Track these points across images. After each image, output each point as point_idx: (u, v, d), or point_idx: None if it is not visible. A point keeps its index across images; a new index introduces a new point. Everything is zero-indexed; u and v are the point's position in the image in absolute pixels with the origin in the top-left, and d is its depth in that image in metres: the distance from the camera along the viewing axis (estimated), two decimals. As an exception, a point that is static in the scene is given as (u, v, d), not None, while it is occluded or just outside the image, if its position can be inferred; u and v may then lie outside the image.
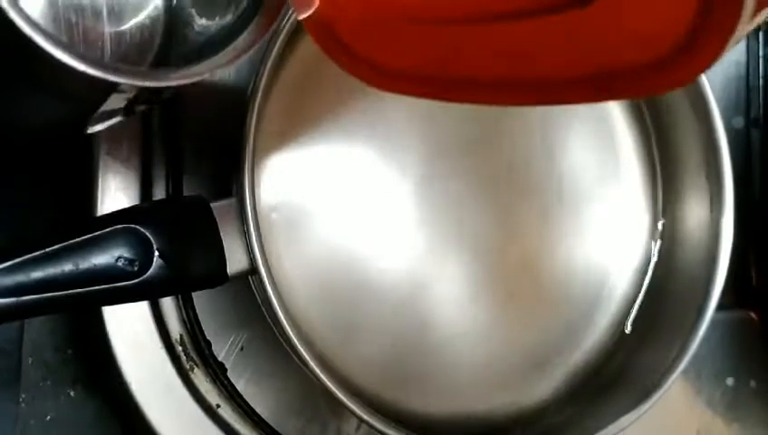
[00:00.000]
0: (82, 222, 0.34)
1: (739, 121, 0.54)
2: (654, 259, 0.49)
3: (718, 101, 0.45)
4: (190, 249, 0.35)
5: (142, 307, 0.41)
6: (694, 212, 0.47)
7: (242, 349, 0.43)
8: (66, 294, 0.32)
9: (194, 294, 0.41)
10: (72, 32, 0.35)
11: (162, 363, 0.41)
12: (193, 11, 0.37)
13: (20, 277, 0.31)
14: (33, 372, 0.42)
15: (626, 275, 0.48)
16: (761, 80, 0.54)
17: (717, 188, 0.45)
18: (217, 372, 0.42)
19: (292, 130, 0.42)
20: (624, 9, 0.23)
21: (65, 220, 0.43)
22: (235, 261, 0.36)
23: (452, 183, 0.45)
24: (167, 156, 0.42)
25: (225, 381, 0.42)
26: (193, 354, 0.42)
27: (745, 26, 0.21)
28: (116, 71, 0.30)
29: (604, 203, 0.48)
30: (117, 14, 0.37)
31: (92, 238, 0.32)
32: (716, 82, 0.52)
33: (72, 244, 0.32)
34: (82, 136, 0.37)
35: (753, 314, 0.54)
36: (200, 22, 0.37)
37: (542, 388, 0.46)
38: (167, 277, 0.33)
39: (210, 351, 0.42)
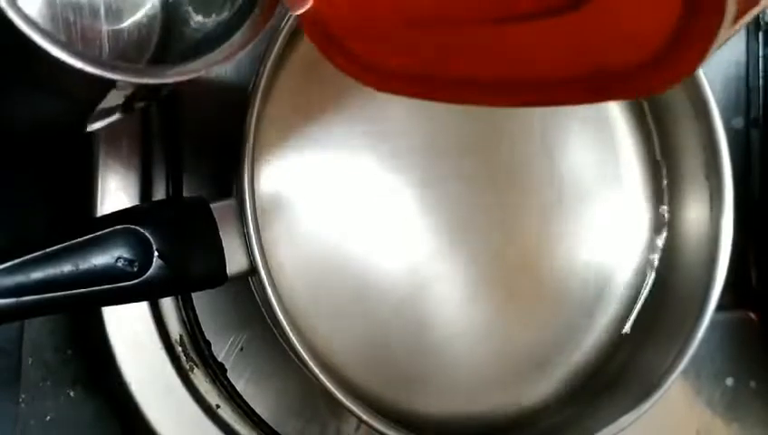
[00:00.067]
0: (82, 222, 0.34)
1: (739, 122, 0.54)
2: (653, 259, 0.49)
3: (718, 101, 0.45)
4: (190, 250, 0.35)
5: (142, 308, 0.41)
6: (694, 212, 0.47)
7: (242, 349, 0.43)
8: (66, 295, 0.32)
9: (194, 295, 0.41)
10: (71, 30, 0.35)
11: (162, 364, 0.41)
12: (190, 8, 0.37)
13: (20, 278, 0.31)
14: (32, 373, 0.42)
15: (626, 276, 0.48)
16: (761, 80, 0.54)
17: (717, 188, 0.45)
18: (217, 373, 0.42)
19: (292, 130, 0.42)
20: (612, 13, 0.24)
21: (65, 221, 0.43)
22: (235, 262, 0.36)
23: (452, 183, 0.45)
24: (166, 156, 0.42)
25: (225, 382, 0.42)
26: (193, 355, 0.42)
27: (728, 31, 0.21)
28: (113, 68, 0.30)
29: (604, 203, 0.48)
30: (115, 13, 0.37)
31: (92, 239, 0.33)
32: (716, 82, 0.52)
33: (71, 244, 0.32)
34: (82, 134, 0.37)
35: (752, 315, 0.54)
36: (197, 19, 0.37)
37: (542, 388, 0.46)
38: (166, 278, 0.33)
39: (210, 351, 0.42)
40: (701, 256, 0.46)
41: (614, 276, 0.48)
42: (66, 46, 0.29)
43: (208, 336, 0.42)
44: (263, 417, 0.43)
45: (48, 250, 0.32)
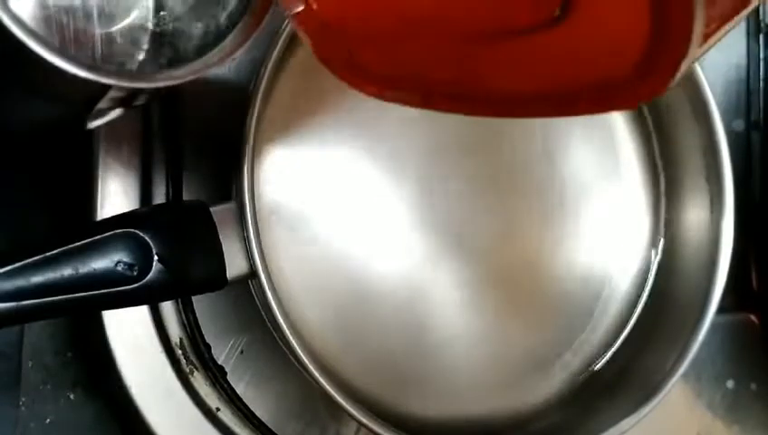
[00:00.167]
0: (82, 226, 0.35)
1: (739, 124, 0.54)
2: (654, 262, 0.49)
3: (719, 103, 0.45)
4: (190, 253, 0.35)
5: (142, 311, 0.41)
6: (694, 215, 0.47)
7: (242, 352, 0.43)
8: (66, 299, 0.32)
9: (194, 298, 0.41)
10: (63, 33, 0.35)
11: (162, 367, 0.41)
12: (182, 12, 0.38)
13: (20, 282, 0.31)
14: (32, 376, 0.42)
15: (626, 278, 0.48)
16: (761, 83, 0.54)
17: (718, 190, 0.45)
18: (217, 376, 0.42)
19: (292, 132, 0.42)
20: (586, 33, 0.25)
21: (65, 224, 0.43)
22: (235, 265, 0.36)
23: (452, 185, 0.45)
24: (167, 157, 0.42)
25: (225, 385, 0.42)
26: (193, 358, 0.42)
27: (696, 51, 0.22)
28: (107, 73, 0.31)
29: (604, 205, 0.48)
30: (107, 16, 0.37)
31: (92, 243, 0.33)
32: (717, 84, 0.52)
33: (71, 248, 0.32)
34: (82, 133, 0.37)
35: (753, 317, 0.54)
36: (189, 23, 0.37)
37: (542, 391, 0.46)
38: (166, 282, 0.33)
39: (210, 354, 0.42)
40: (701, 259, 0.46)
41: (614, 279, 0.48)
42: (59, 51, 0.29)
43: (208, 339, 0.42)
44: (263, 420, 0.43)
45: (48, 254, 0.32)
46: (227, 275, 0.36)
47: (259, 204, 0.39)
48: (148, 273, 0.33)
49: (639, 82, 0.23)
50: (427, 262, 0.44)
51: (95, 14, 0.37)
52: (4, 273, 0.31)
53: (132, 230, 0.33)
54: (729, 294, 0.45)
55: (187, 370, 0.42)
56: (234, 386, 0.42)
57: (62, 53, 0.29)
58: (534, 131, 0.47)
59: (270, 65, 0.38)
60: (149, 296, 0.35)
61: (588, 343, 0.47)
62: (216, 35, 0.35)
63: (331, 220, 0.42)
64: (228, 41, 0.34)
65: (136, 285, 0.33)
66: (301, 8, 0.31)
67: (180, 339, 0.42)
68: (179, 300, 0.41)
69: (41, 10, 0.36)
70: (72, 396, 0.43)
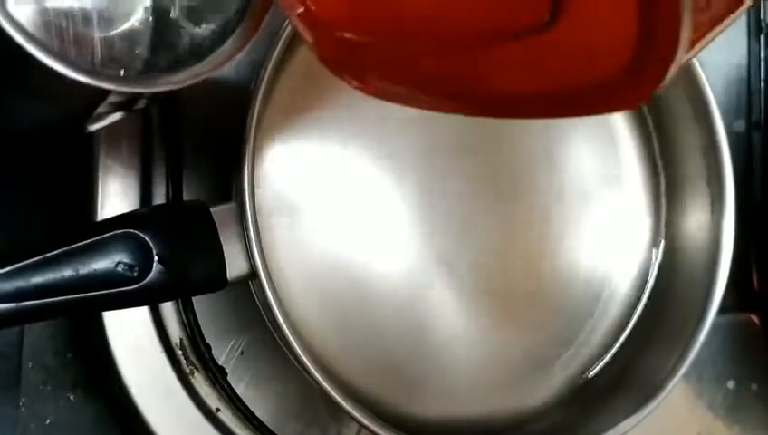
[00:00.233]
0: (82, 227, 0.35)
1: (740, 125, 0.54)
2: (655, 262, 0.48)
3: (719, 104, 0.45)
4: (190, 254, 0.35)
5: (142, 311, 0.41)
6: (695, 215, 0.47)
7: (242, 353, 0.43)
8: (66, 300, 0.32)
9: (194, 299, 0.41)
10: (63, 37, 0.35)
11: (162, 367, 0.41)
12: (181, 16, 0.38)
13: (20, 282, 0.31)
14: (33, 376, 0.42)
15: (626, 278, 0.48)
16: (762, 83, 0.54)
17: (718, 191, 0.45)
18: (217, 376, 0.42)
19: (292, 132, 0.42)
20: (575, 38, 0.25)
21: (65, 225, 0.43)
22: (235, 266, 0.36)
23: (452, 185, 0.45)
24: (167, 156, 0.42)
25: (225, 385, 0.42)
26: (193, 358, 0.42)
27: (684, 56, 0.22)
28: (106, 78, 0.31)
29: (605, 205, 0.48)
30: (106, 20, 0.37)
31: (92, 243, 0.33)
32: (718, 85, 0.52)
33: (71, 249, 0.32)
34: (82, 135, 0.37)
35: (754, 318, 0.54)
36: (188, 27, 0.37)
37: (542, 392, 0.46)
38: (166, 282, 0.33)
39: (210, 355, 0.42)
40: (702, 259, 0.46)
41: (615, 279, 0.48)
42: (58, 55, 0.29)
43: (209, 340, 0.42)
44: (263, 420, 0.43)
45: (48, 255, 0.32)
46: (228, 276, 0.36)
47: (259, 204, 0.39)
48: (149, 273, 0.33)
49: (628, 86, 0.24)
50: (428, 262, 0.44)
51: (94, 19, 0.37)
52: (4, 274, 0.31)
53: (132, 231, 0.33)
54: (730, 295, 0.45)
55: (188, 370, 0.41)
56: (234, 387, 0.42)
57: (61, 57, 0.29)
58: (535, 132, 0.47)
59: (270, 65, 0.38)
60: (150, 297, 0.35)
61: (588, 343, 0.47)
62: (216, 39, 0.35)
63: (331, 221, 0.42)
64: (227, 45, 0.34)
65: (136, 285, 0.33)
66: (301, 10, 0.31)
67: (180, 339, 0.42)
68: (179, 300, 0.41)
69: (40, 14, 0.36)
70: (72, 397, 0.43)
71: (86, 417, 0.43)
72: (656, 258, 0.48)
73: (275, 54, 0.38)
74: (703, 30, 0.24)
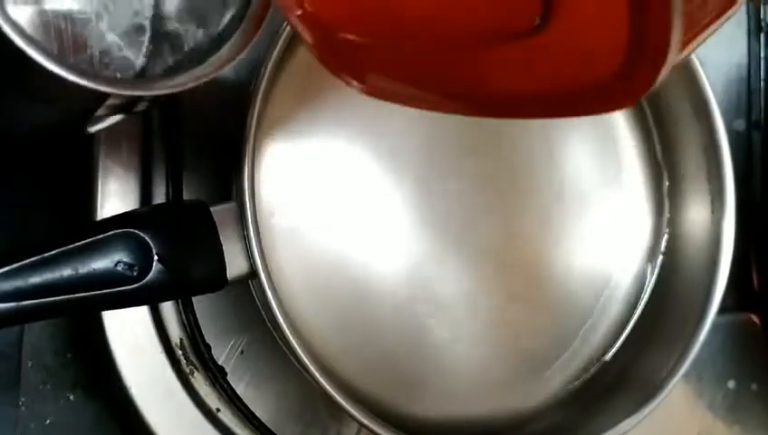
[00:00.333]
0: (82, 226, 0.35)
1: (740, 124, 0.54)
2: (655, 262, 0.48)
3: (719, 103, 0.45)
4: (190, 254, 0.35)
5: (142, 311, 0.41)
6: (695, 215, 0.47)
7: (242, 353, 0.43)
8: (65, 299, 0.32)
9: (194, 299, 0.41)
10: (62, 40, 0.35)
11: (162, 367, 0.41)
12: (181, 19, 0.38)
13: (19, 282, 0.31)
14: (32, 376, 0.42)
15: (626, 278, 0.48)
16: (762, 82, 0.54)
17: (719, 190, 0.45)
18: (217, 376, 0.42)
19: (292, 132, 0.42)
20: (567, 40, 0.25)
21: (65, 224, 0.43)
22: (235, 265, 0.36)
23: (452, 185, 0.45)
24: (167, 157, 0.42)
25: (225, 385, 0.42)
26: (193, 358, 0.42)
27: (675, 58, 0.22)
28: (105, 81, 0.31)
29: (605, 205, 0.48)
30: (106, 23, 0.37)
31: (92, 243, 0.32)
32: (718, 84, 0.52)
33: (71, 248, 0.32)
34: (82, 136, 0.37)
35: (754, 317, 0.54)
36: (188, 30, 0.37)
37: (542, 392, 0.46)
38: (166, 282, 0.33)
39: (210, 355, 0.42)
40: (702, 259, 0.46)
41: (615, 278, 0.48)
42: (57, 58, 0.29)
43: (208, 340, 0.42)
44: (263, 420, 0.43)
45: (47, 254, 0.32)
46: (228, 275, 0.36)
47: (259, 204, 0.39)
48: (148, 273, 0.33)
49: (621, 88, 0.24)
50: (428, 262, 0.44)
51: (94, 21, 0.37)
52: (3, 273, 0.31)
53: (132, 230, 0.33)
54: (730, 294, 0.45)
55: (188, 370, 0.41)
56: (234, 386, 0.42)
57: (60, 60, 0.29)
58: (535, 131, 0.47)
59: (270, 65, 0.38)
60: (149, 297, 0.35)
61: (588, 343, 0.47)
62: (215, 42, 0.35)
63: (331, 220, 0.42)
64: (227, 47, 0.34)
65: (136, 285, 0.33)
66: (299, 11, 0.31)
67: (180, 339, 0.42)
68: (179, 300, 0.41)
69: (39, 16, 0.36)
70: (71, 396, 0.43)
71: (86, 417, 0.43)
72: (656, 258, 0.48)
73: (275, 54, 0.38)
74: (695, 31, 0.24)
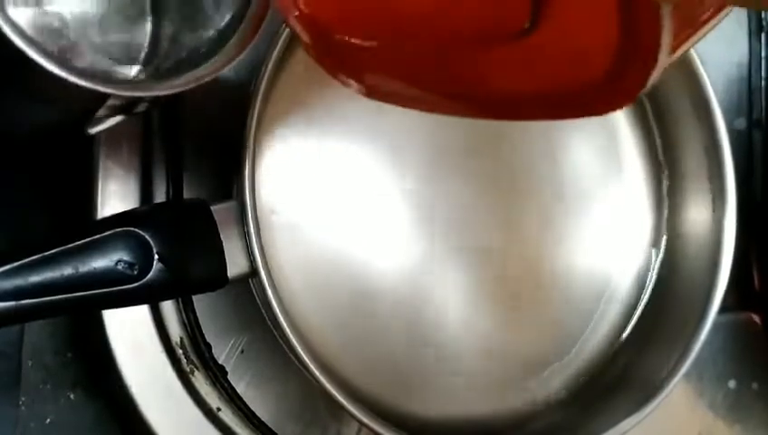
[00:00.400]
0: (82, 225, 0.35)
1: (741, 123, 0.54)
2: (655, 261, 0.48)
3: (720, 102, 0.45)
4: (190, 252, 0.35)
5: (142, 310, 0.41)
6: (696, 214, 0.47)
7: (242, 352, 0.43)
8: (66, 298, 0.32)
9: (194, 297, 0.41)
10: (62, 41, 0.35)
11: (162, 366, 0.41)
12: (180, 21, 0.38)
13: (19, 281, 0.31)
14: (32, 375, 0.42)
15: (628, 277, 0.48)
16: (763, 81, 0.54)
17: (719, 189, 0.45)
18: (218, 375, 0.42)
19: (292, 131, 0.42)
20: (556, 43, 0.25)
21: (65, 223, 0.43)
22: (236, 264, 0.36)
23: (453, 184, 0.45)
24: (167, 156, 0.42)
25: (226, 385, 0.42)
26: (193, 357, 0.42)
27: (666, 60, 0.22)
28: (104, 82, 0.31)
29: (606, 205, 0.48)
30: (106, 24, 0.38)
31: (92, 242, 0.32)
32: (719, 83, 0.52)
33: (71, 247, 0.32)
34: (82, 136, 0.37)
35: (755, 317, 0.54)
36: (187, 31, 0.38)
37: (543, 391, 0.46)
38: (166, 281, 0.33)
39: (210, 354, 0.42)
40: (703, 258, 0.46)
41: (616, 278, 0.48)
42: (57, 59, 0.29)
43: (209, 339, 0.42)
44: (263, 420, 0.42)
45: (47, 253, 0.32)
46: (228, 274, 0.36)
47: (260, 203, 0.39)
48: (149, 272, 0.33)
49: (613, 90, 0.24)
50: (428, 261, 0.44)
51: (93, 23, 0.38)
52: (3, 272, 0.31)
53: (132, 229, 0.33)
54: (731, 294, 0.45)
55: (188, 369, 0.41)
56: (234, 386, 0.42)
57: (60, 61, 0.29)
58: (535, 131, 0.47)
59: (270, 65, 0.38)
60: (150, 296, 0.35)
61: (589, 342, 0.47)
62: (215, 43, 0.35)
63: (331, 219, 0.42)
64: (226, 48, 0.34)
65: (136, 284, 0.33)
66: (296, 13, 0.31)
67: (181, 338, 0.42)
68: (180, 299, 0.41)
69: (40, 17, 0.36)
70: (72, 396, 0.43)
71: (86, 416, 0.43)
72: (656, 257, 0.48)
73: (275, 54, 0.38)
74: (687, 32, 0.25)
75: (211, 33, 0.36)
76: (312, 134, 0.42)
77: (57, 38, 0.36)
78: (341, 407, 0.37)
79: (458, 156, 0.45)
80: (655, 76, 0.22)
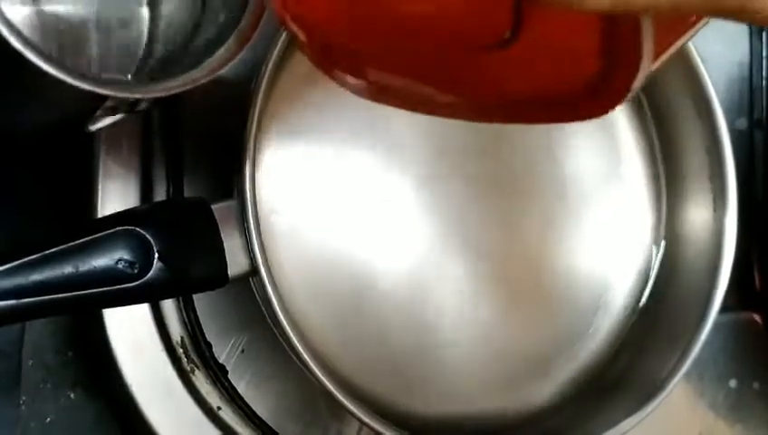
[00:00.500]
0: (82, 224, 0.34)
1: (742, 123, 0.54)
2: (656, 261, 0.48)
3: (721, 102, 0.45)
4: (191, 251, 0.35)
5: (143, 309, 0.41)
6: (697, 214, 0.47)
7: (243, 351, 0.43)
8: (66, 297, 0.32)
9: (195, 296, 0.41)
10: (61, 42, 0.36)
11: (163, 365, 0.41)
12: (177, 22, 0.38)
13: (19, 280, 0.31)
14: (33, 375, 0.42)
15: (629, 277, 0.48)
16: (764, 81, 0.54)
17: (720, 189, 0.45)
18: (218, 375, 0.42)
19: (292, 130, 0.42)
20: (538, 52, 0.26)
21: (65, 222, 0.43)
22: (236, 263, 0.36)
23: (454, 184, 0.45)
24: (167, 156, 0.42)
25: (226, 384, 0.42)
26: (194, 356, 0.42)
27: (649, 65, 0.22)
28: (102, 83, 0.31)
29: (607, 205, 0.48)
30: (104, 25, 0.38)
31: (92, 241, 0.32)
32: (720, 83, 0.52)
33: (71, 246, 0.32)
34: (83, 135, 0.37)
35: (756, 316, 0.54)
36: (184, 33, 0.38)
37: (544, 391, 0.46)
38: (167, 279, 0.33)
39: (211, 353, 0.42)
40: (704, 258, 0.46)
41: (616, 278, 0.48)
42: (56, 60, 0.29)
43: (209, 338, 0.42)
44: (264, 419, 0.42)
45: (48, 252, 0.32)
46: (228, 273, 0.36)
47: (260, 202, 0.39)
48: (149, 271, 0.33)
49: (596, 97, 0.24)
50: (429, 261, 0.44)
51: (91, 24, 0.38)
52: (4, 270, 0.31)
53: (133, 228, 0.33)
54: (732, 294, 0.45)
55: (188, 368, 0.41)
56: (235, 385, 0.42)
57: (58, 62, 0.30)
58: (536, 132, 0.47)
59: (270, 64, 0.38)
60: (150, 294, 0.35)
61: (589, 342, 0.47)
62: (212, 45, 0.35)
63: (332, 218, 0.42)
64: (223, 50, 0.34)
65: (136, 282, 0.33)
66: (290, 14, 0.31)
67: (181, 337, 0.42)
68: (180, 298, 0.41)
69: (38, 16, 0.36)
70: (72, 395, 0.43)
71: (87, 415, 0.43)
72: (657, 257, 0.48)
73: (275, 53, 0.38)
74: (670, 38, 0.25)
75: (208, 34, 0.36)
76: (313, 133, 0.42)
77: (56, 38, 0.37)
78: (342, 406, 0.37)
79: (459, 156, 0.45)
80: (638, 82, 0.23)
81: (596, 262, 0.48)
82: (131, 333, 0.40)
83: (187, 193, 0.42)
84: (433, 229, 0.44)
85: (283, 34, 0.38)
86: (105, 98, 0.33)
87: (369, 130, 0.43)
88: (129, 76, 0.38)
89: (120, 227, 0.33)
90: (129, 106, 0.35)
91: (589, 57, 0.23)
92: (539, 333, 0.47)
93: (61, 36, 0.37)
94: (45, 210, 0.43)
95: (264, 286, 0.36)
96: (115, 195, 0.41)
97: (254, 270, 0.36)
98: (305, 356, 0.36)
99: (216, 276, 0.36)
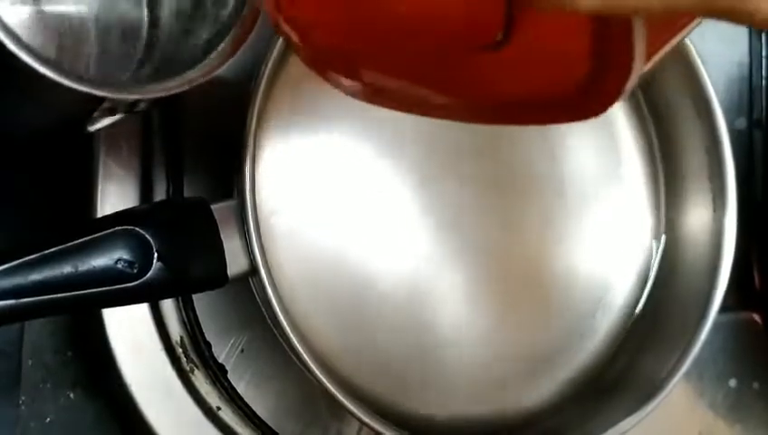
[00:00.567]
0: (82, 224, 0.34)
1: (742, 123, 0.54)
2: (656, 261, 0.48)
3: (721, 102, 0.45)
4: (190, 251, 0.35)
5: (142, 309, 0.41)
6: (696, 214, 0.47)
7: (242, 351, 0.43)
8: (65, 297, 0.32)
9: (194, 296, 0.41)
10: (59, 43, 0.36)
11: (162, 365, 0.41)
12: (174, 23, 0.38)
13: (19, 279, 0.31)
14: (32, 375, 0.42)
15: (628, 277, 0.48)
16: (763, 81, 0.54)
17: (720, 189, 0.45)
18: (218, 374, 0.42)
19: (292, 130, 0.42)
20: (530, 55, 0.26)
21: (65, 222, 0.43)
22: (236, 263, 0.36)
23: (453, 185, 0.45)
24: (167, 156, 0.42)
25: (226, 384, 0.42)
26: (193, 356, 0.42)
27: (642, 66, 0.22)
28: (100, 85, 0.31)
29: (606, 205, 0.48)
30: (103, 26, 0.38)
31: (92, 240, 0.32)
32: (719, 83, 0.52)
33: (71, 246, 0.32)
34: (82, 135, 0.37)
35: (755, 316, 0.54)
36: (181, 34, 0.38)
37: (544, 391, 0.46)
38: (166, 279, 0.33)
39: (210, 353, 0.42)
40: (704, 258, 0.46)
41: (616, 278, 0.48)
42: (53, 63, 0.30)
43: (209, 338, 0.42)
44: (263, 419, 0.42)
45: (47, 252, 0.32)
46: (228, 273, 0.36)
47: (260, 202, 0.39)
48: (149, 270, 0.33)
49: (589, 98, 0.24)
50: (429, 261, 0.44)
51: (91, 25, 0.38)
52: (3, 270, 0.31)
53: (132, 228, 0.33)
54: (731, 293, 0.45)
55: (188, 368, 0.41)
56: (234, 385, 0.42)
57: (56, 65, 0.30)
58: (535, 131, 0.47)
59: (270, 64, 0.38)
60: (150, 294, 0.35)
61: (589, 342, 0.47)
62: (208, 45, 0.35)
63: (332, 218, 0.42)
64: (219, 50, 0.35)
65: (136, 282, 0.33)
66: (283, 16, 0.31)
67: (181, 337, 0.42)
68: (180, 298, 0.41)
69: (36, 19, 0.36)
70: (72, 395, 0.43)
71: (86, 415, 0.43)
72: (657, 257, 0.48)
73: (275, 53, 0.38)
74: (663, 39, 0.25)
75: (205, 35, 0.36)
76: (312, 133, 0.42)
77: (55, 38, 0.37)
78: (342, 406, 0.37)
79: (458, 156, 0.45)
80: (631, 83, 0.23)
81: (595, 262, 0.48)
82: (131, 332, 0.40)
83: (186, 193, 0.42)
84: (433, 230, 0.44)
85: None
86: (103, 99, 0.33)
87: (369, 130, 0.43)
88: (128, 76, 0.38)
89: (120, 227, 0.33)
90: (129, 106, 0.35)
91: (581, 59, 0.23)
92: (538, 333, 0.47)
93: (61, 37, 0.37)
94: (45, 210, 0.43)
95: (263, 287, 0.36)
96: (115, 195, 0.41)
97: (253, 270, 0.36)
98: (305, 356, 0.36)
99: (215, 276, 0.36)
